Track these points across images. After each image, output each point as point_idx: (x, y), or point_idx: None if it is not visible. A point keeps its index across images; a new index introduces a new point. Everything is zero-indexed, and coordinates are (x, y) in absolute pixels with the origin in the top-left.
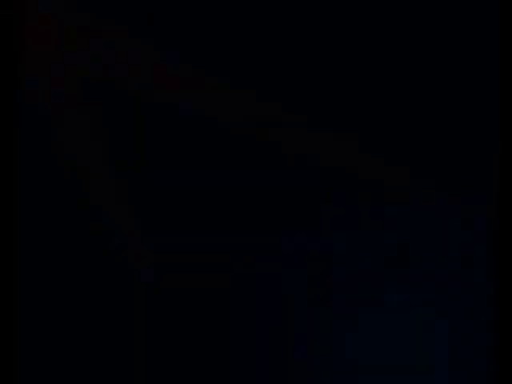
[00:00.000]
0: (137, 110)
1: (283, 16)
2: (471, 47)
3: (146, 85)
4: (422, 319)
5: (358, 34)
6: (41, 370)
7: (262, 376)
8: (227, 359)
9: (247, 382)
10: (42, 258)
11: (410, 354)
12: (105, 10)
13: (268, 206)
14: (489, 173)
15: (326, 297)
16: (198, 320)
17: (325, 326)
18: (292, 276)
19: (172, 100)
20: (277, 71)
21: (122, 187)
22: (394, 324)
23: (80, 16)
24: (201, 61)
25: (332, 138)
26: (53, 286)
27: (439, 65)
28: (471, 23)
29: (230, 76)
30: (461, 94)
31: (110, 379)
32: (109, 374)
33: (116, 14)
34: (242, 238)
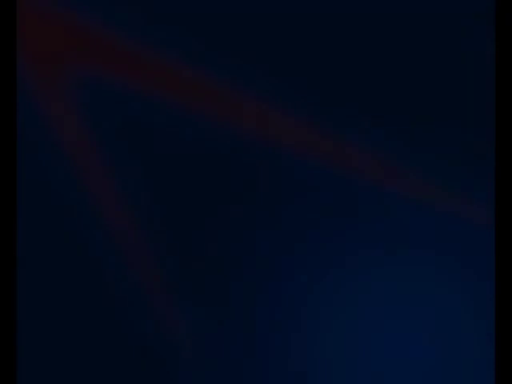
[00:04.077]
0: (137, 110)
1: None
2: (470, 47)
3: (146, 85)
4: (421, 319)
5: (358, 38)
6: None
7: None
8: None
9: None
10: (42, 262)
11: (408, 355)
12: (104, 10)
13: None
14: (489, 173)
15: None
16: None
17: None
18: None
19: (171, 100)
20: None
21: (123, 188)
22: (392, 324)
23: (80, 16)
24: (201, 61)
25: (332, 136)
26: (53, 288)
27: (438, 66)
28: (469, 23)
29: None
30: (460, 95)
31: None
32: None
33: (115, 14)
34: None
